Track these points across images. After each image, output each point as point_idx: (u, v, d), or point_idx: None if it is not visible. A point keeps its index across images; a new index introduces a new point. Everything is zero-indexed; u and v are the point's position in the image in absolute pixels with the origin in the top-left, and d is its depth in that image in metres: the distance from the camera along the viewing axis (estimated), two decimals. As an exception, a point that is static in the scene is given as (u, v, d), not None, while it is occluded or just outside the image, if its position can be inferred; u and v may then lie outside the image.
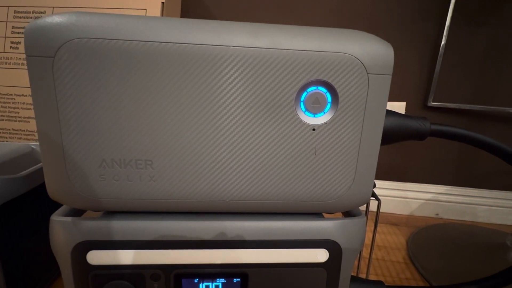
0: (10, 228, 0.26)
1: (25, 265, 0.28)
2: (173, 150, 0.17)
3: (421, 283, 0.38)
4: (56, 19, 0.16)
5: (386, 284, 0.25)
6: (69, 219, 0.19)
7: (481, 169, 0.57)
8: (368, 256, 0.42)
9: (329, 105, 0.18)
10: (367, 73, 0.17)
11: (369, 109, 0.18)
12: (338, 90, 0.17)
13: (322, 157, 0.18)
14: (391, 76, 0.18)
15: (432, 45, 0.53)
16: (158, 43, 0.16)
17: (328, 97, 0.18)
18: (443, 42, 0.51)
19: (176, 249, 0.19)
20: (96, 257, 0.19)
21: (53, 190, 0.18)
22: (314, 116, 0.18)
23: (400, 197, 0.59)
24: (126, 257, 0.19)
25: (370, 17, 0.53)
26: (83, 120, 0.17)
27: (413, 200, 0.58)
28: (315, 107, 0.18)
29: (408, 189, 0.59)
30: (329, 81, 0.17)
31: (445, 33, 0.51)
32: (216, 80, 0.17)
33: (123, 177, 0.18)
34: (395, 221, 0.56)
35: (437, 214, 0.58)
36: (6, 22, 0.45)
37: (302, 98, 0.17)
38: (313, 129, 0.18)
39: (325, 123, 0.18)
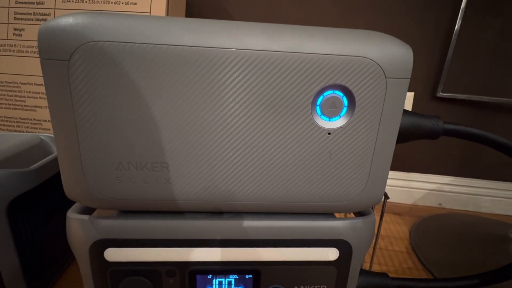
0: (23, 220, 0.27)
1: (39, 254, 0.29)
2: (189, 153, 0.18)
3: (423, 273, 0.39)
4: (70, 20, 0.15)
5: (389, 275, 0.26)
6: (86, 217, 0.19)
7: (485, 160, 0.57)
8: (372, 247, 0.43)
9: (345, 109, 0.17)
10: (385, 77, 0.17)
11: (386, 113, 0.18)
12: (355, 95, 0.17)
13: (336, 160, 0.18)
14: (409, 79, 0.17)
15: (444, 32, 0.51)
16: (174, 46, 0.16)
17: (345, 101, 0.17)
18: (456, 27, 0.49)
19: (191, 247, 0.20)
20: (114, 254, 0.19)
21: (70, 190, 0.18)
22: (329, 120, 0.18)
23: (403, 186, 0.59)
24: (143, 254, 0.19)
25: (380, 1, 0.51)
26: (99, 124, 0.16)
27: (416, 190, 0.59)
28: (331, 111, 0.17)
29: (411, 179, 0.59)
30: (347, 85, 0.17)
31: (459, 17, 0.48)
32: (232, 84, 0.16)
33: (140, 179, 0.18)
34: (398, 210, 0.57)
35: (440, 204, 0.59)
36: (8, 7, 0.44)
37: (318, 102, 0.17)
38: (329, 133, 0.18)
39: (341, 127, 0.18)
